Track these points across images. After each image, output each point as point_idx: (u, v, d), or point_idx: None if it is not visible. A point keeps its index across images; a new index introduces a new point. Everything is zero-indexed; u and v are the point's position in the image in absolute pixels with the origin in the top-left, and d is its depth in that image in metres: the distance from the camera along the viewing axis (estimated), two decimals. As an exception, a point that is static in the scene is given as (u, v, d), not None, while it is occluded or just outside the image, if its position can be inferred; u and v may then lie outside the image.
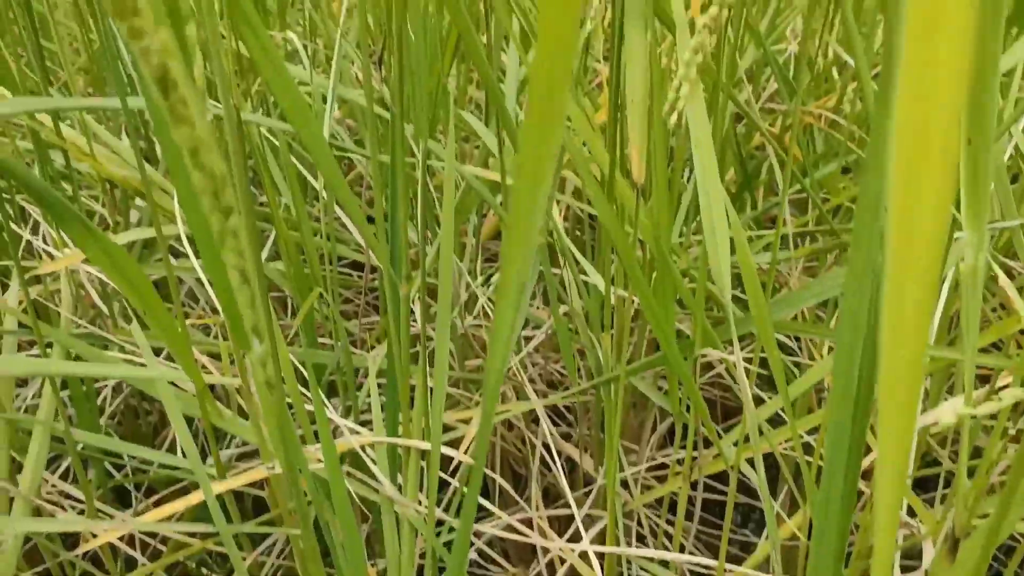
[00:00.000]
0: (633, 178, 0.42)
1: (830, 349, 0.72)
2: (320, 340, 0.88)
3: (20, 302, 0.81)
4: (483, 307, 0.81)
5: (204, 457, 0.87)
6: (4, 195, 0.70)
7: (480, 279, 0.79)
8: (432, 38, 0.70)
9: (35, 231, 0.92)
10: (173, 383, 0.67)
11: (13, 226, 0.72)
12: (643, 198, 0.46)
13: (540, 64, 0.18)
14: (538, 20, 0.16)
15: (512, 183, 0.24)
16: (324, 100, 0.92)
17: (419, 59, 0.51)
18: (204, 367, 0.70)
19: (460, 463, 0.68)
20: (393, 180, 0.46)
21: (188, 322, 0.87)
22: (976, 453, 0.83)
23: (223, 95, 0.38)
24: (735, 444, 0.63)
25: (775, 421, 0.78)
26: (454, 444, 0.68)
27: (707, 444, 0.72)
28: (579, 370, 0.88)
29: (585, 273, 0.71)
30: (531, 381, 0.86)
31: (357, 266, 1.15)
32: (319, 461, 0.61)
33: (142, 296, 0.36)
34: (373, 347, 0.89)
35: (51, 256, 0.73)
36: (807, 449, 0.72)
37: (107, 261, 0.35)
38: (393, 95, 0.54)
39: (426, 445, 0.54)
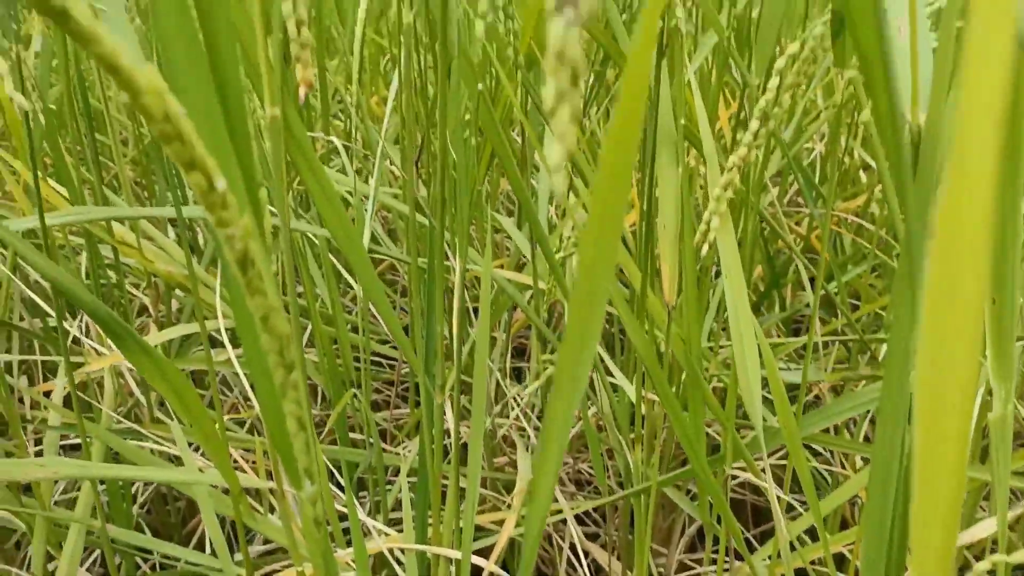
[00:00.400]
0: (664, 299, 0.44)
1: (864, 460, 0.71)
2: (351, 434, 0.89)
3: (64, 387, 0.83)
4: (511, 404, 0.82)
5: (231, 546, 0.87)
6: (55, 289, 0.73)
7: (513, 389, 0.79)
8: (468, 150, 0.73)
9: (82, 318, 0.95)
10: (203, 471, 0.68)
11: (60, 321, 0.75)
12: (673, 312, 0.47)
13: (591, 232, 0.19)
14: (590, 199, 0.18)
15: (560, 349, 0.25)
16: (360, 194, 0.95)
17: (461, 177, 0.54)
18: (236, 461, 0.71)
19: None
20: (430, 298, 0.47)
21: (225, 417, 0.89)
22: (1019, 568, 0.81)
23: (279, 210, 0.40)
24: (768, 558, 0.62)
25: (808, 530, 0.77)
26: (484, 550, 0.67)
27: (739, 555, 0.71)
28: (607, 468, 0.88)
29: (612, 375, 0.72)
30: (559, 482, 0.86)
31: (387, 354, 1.17)
32: (349, 564, 0.61)
33: (190, 410, 0.38)
34: (403, 442, 0.90)
35: (96, 351, 0.75)
36: (842, 561, 0.71)
37: (158, 375, 0.36)
38: (433, 210, 0.56)
39: (456, 554, 0.54)
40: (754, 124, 0.36)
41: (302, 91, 0.27)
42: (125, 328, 0.37)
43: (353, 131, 1.24)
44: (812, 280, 1.09)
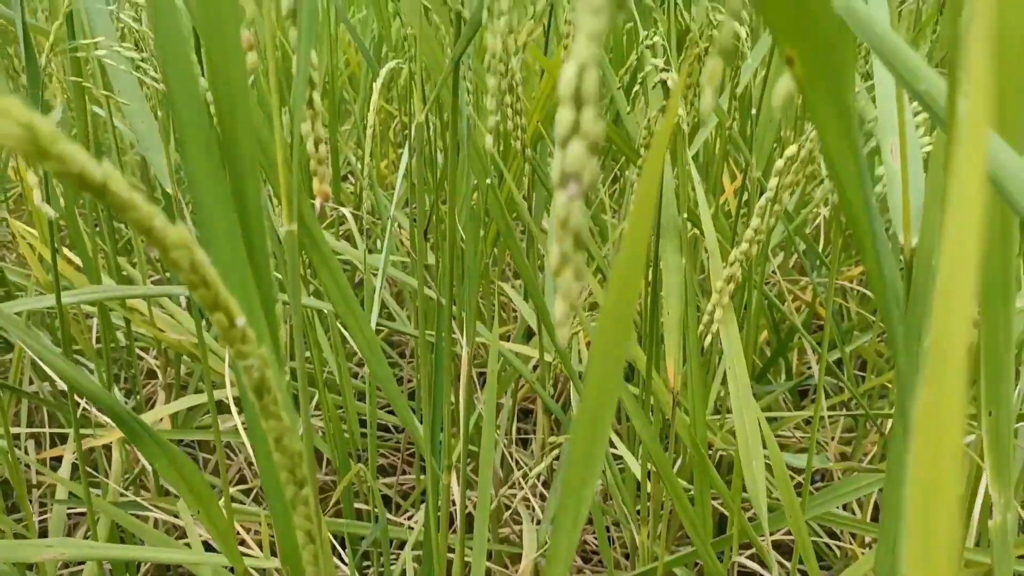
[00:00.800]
0: (670, 385, 0.44)
1: (874, 540, 0.70)
2: (356, 503, 0.88)
3: (73, 452, 0.83)
4: (518, 481, 0.82)
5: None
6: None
7: (519, 470, 0.79)
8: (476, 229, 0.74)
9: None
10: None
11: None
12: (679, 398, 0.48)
13: (597, 356, 0.20)
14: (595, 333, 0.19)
15: (564, 477, 0.26)
16: (370, 267, 0.97)
17: (469, 252, 0.55)
18: (240, 533, 0.71)
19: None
20: (437, 383, 0.48)
21: (232, 489, 0.89)
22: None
23: (293, 306, 0.41)
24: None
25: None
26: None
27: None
28: (612, 541, 0.87)
29: (615, 446, 0.72)
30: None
31: (394, 422, 1.17)
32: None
33: (200, 500, 0.38)
34: (408, 511, 0.89)
35: (105, 420, 0.76)
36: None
37: (169, 466, 0.37)
38: (440, 286, 0.57)
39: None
40: (755, 221, 0.37)
41: (318, 203, 0.28)
42: (137, 420, 0.38)
43: (363, 199, 1.27)
44: (818, 348, 1.09)
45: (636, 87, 0.44)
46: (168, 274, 1.28)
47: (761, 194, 0.38)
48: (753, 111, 0.57)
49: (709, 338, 0.40)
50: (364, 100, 1.37)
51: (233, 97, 0.26)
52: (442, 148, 1.01)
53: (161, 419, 0.80)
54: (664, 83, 0.42)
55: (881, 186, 0.26)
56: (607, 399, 0.21)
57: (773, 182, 0.36)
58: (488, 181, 0.43)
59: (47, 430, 0.85)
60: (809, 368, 1.08)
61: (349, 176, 1.58)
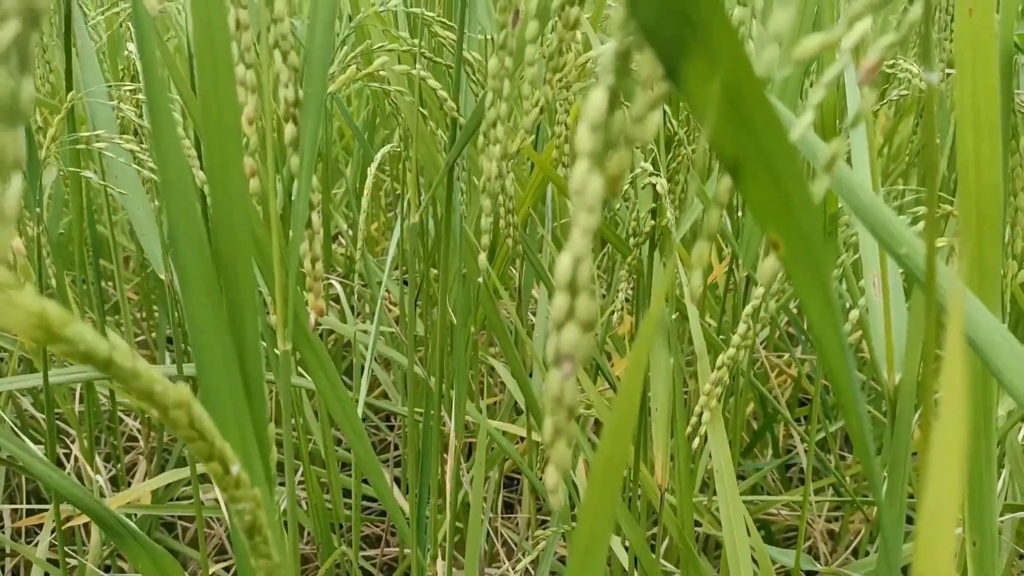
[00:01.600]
0: (657, 480, 0.44)
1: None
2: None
3: (52, 529, 0.82)
4: (502, 546, 0.81)
5: None
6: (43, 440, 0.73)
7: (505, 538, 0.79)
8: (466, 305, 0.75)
9: (71, 454, 0.95)
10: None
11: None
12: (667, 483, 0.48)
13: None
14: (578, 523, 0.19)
15: None
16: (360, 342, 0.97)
17: (460, 348, 0.55)
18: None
19: None
20: (423, 475, 0.48)
21: (213, 567, 0.87)
22: None
23: (283, 402, 0.41)
24: None
25: None
26: None
27: None
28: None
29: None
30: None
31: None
32: None
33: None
34: (390, 588, 0.88)
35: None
36: None
37: (155, 572, 0.37)
38: (429, 369, 0.57)
39: None
40: (742, 327, 0.38)
41: (313, 318, 0.29)
42: (119, 520, 0.38)
43: (354, 261, 1.27)
44: (805, 418, 1.10)
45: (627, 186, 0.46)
46: (154, 335, 1.27)
47: (745, 301, 0.39)
48: (739, 213, 0.59)
49: (697, 440, 0.40)
50: (357, 166, 1.39)
51: (232, 210, 0.26)
52: (434, 216, 1.02)
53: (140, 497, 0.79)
54: (653, 186, 0.43)
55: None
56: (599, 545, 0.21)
57: (759, 291, 0.37)
58: (480, 280, 0.43)
59: (24, 506, 0.83)
60: (795, 441, 1.08)
61: (340, 237, 1.58)
